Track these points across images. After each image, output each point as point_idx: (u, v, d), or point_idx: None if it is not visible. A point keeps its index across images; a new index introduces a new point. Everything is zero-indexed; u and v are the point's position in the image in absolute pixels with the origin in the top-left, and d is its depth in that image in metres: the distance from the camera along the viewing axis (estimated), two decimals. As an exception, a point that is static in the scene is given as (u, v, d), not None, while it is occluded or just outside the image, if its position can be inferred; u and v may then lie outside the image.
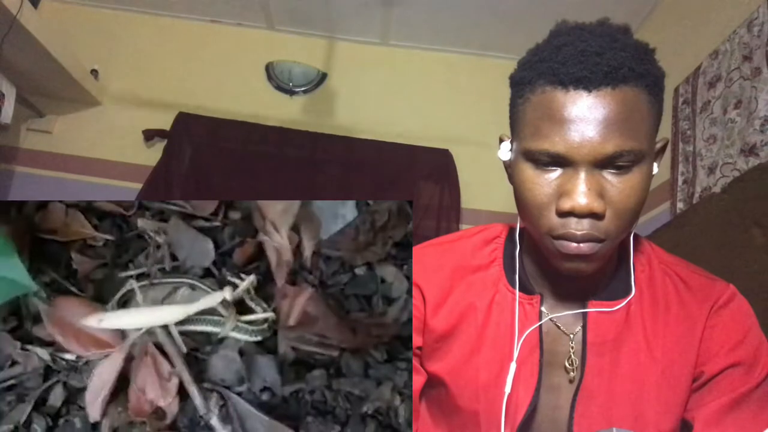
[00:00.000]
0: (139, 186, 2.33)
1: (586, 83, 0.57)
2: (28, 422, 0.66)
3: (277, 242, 0.72)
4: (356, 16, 2.46)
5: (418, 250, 0.78)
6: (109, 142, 2.44)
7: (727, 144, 1.48)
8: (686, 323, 0.69)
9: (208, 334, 0.70)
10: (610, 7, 1.84)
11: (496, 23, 2.38)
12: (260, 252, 0.75)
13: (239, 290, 0.69)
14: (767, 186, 1.25)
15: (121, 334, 0.69)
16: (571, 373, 0.69)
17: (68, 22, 2.52)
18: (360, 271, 0.76)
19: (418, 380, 0.74)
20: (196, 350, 0.70)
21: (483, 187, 2.38)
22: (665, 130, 1.78)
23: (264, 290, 0.73)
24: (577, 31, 0.61)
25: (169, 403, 0.65)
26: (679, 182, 1.69)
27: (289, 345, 0.68)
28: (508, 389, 0.67)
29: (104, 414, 0.66)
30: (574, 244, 0.60)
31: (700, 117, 1.64)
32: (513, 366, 0.68)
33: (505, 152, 0.69)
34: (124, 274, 0.74)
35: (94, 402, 0.65)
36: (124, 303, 0.72)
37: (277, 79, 2.55)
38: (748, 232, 1.28)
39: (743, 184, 1.35)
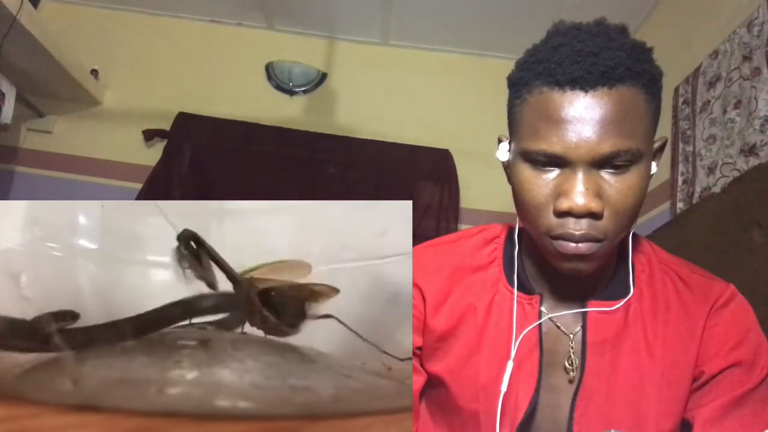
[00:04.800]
0: (139, 186, 2.33)
1: (583, 83, 0.57)
2: None
3: None
4: (356, 16, 2.47)
5: (417, 251, 0.78)
6: (109, 142, 2.44)
7: (726, 144, 1.48)
8: (686, 323, 0.68)
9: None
10: (609, 7, 1.84)
11: (496, 23, 2.38)
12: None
13: None
14: (767, 186, 1.25)
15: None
16: (571, 373, 0.69)
17: (68, 22, 2.52)
18: None
19: (418, 380, 0.74)
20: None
21: (483, 187, 2.38)
22: (665, 130, 1.77)
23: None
24: (574, 31, 0.61)
25: None
26: (679, 182, 1.69)
27: None
28: (504, 388, 0.67)
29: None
30: (573, 244, 0.60)
31: (700, 117, 1.64)
32: (510, 365, 0.68)
33: (503, 153, 0.69)
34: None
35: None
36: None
37: (277, 79, 2.55)
38: (748, 232, 1.27)
39: (743, 184, 1.34)
